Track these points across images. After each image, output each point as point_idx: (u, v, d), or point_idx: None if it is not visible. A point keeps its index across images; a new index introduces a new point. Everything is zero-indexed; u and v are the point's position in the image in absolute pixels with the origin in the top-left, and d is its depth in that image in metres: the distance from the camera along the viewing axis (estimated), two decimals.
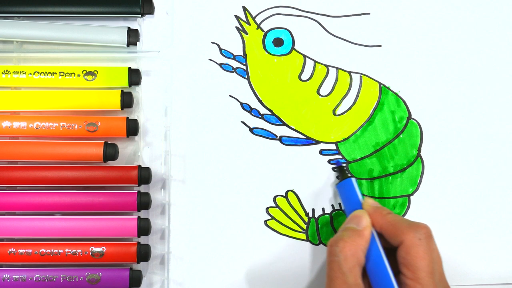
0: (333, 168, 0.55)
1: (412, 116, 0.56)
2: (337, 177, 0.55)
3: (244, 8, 0.58)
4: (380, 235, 0.49)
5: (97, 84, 0.55)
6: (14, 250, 0.53)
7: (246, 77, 0.57)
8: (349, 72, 0.57)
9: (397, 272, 0.48)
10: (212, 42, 0.57)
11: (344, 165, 0.55)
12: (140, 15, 0.56)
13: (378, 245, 0.49)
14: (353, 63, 0.57)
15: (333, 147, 0.56)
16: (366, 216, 0.50)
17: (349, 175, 0.55)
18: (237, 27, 0.57)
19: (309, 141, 0.56)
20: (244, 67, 0.57)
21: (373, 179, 0.56)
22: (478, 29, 0.58)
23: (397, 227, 0.48)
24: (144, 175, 0.54)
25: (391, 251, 0.49)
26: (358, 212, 0.50)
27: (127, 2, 0.56)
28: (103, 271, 0.53)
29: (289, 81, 0.57)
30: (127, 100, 0.55)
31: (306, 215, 0.55)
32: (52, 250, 0.53)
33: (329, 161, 0.56)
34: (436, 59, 0.57)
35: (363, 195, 0.53)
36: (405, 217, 0.55)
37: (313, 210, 0.56)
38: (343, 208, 0.53)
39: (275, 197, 0.56)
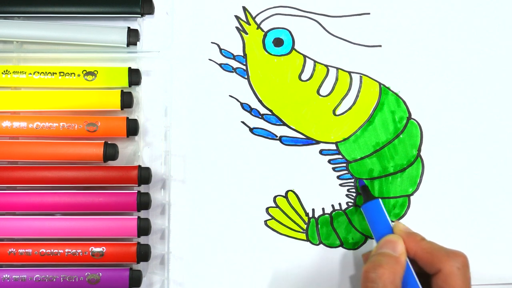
0: (356, 190, 0.55)
1: (412, 116, 0.56)
2: (357, 193, 0.55)
3: (244, 8, 0.58)
4: (412, 262, 0.49)
5: (97, 84, 0.55)
6: (14, 250, 0.53)
7: (246, 77, 0.57)
8: (349, 72, 0.57)
9: None
10: (212, 42, 0.57)
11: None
12: (140, 15, 0.56)
13: (413, 272, 0.49)
14: (353, 63, 0.57)
15: (333, 147, 0.56)
16: (401, 242, 0.49)
17: (374, 196, 0.54)
18: (237, 27, 0.57)
19: (309, 141, 0.56)
20: (244, 67, 0.57)
21: (373, 179, 0.56)
22: (478, 29, 0.58)
23: (434, 254, 0.48)
24: (144, 175, 0.54)
25: (421, 276, 0.49)
26: (392, 237, 0.50)
27: (127, 2, 0.56)
28: (103, 271, 0.53)
29: (289, 81, 0.57)
30: (127, 100, 0.55)
31: (306, 215, 0.55)
32: (52, 250, 0.53)
33: (329, 161, 0.56)
34: (436, 59, 0.57)
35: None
36: (405, 217, 0.55)
37: (313, 210, 0.56)
38: (370, 229, 0.52)
39: (275, 197, 0.56)
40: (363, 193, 0.54)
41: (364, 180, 0.55)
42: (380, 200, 0.53)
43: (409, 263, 0.49)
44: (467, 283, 0.47)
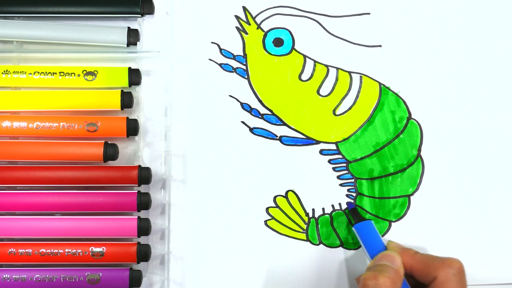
0: (345, 210, 0.55)
1: (412, 116, 0.56)
2: (348, 212, 0.55)
3: (244, 8, 0.58)
4: (407, 277, 0.50)
5: (97, 84, 0.55)
6: (14, 250, 0.53)
7: (246, 77, 0.57)
8: (349, 72, 0.57)
9: None
10: (212, 42, 0.57)
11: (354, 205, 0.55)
12: (140, 15, 0.56)
13: (408, 285, 0.49)
14: (353, 63, 0.57)
15: (333, 147, 0.56)
16: (398, 256, 0.49)
17: (365, 217, 0.54)
18: (237, 27, 0.57)
19: (309, 141, 0.56)
20: (244, 67, 0.57)
21: (373, 179, 0.56)
22: (478, 29, 0.58)
23: (429, 264, 0.48)
24: (144, 175, 0.54)
25: None
26: (390, 252, 0.50)
27: (127, 2, 0.56)
28: (103, 271, 0.53)
29: (289, 81, 0.57)
30: (127, 100, 0.55)
31: (306, 215, 0.55)
32: (52, 250, 0.53)
33: (329, 161, 0.56)
34: (436, 59, 0.57)
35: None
36: (405, 217, 0.55)
37: (313, 210, 0.56)
38: (363, 248, 0.52)
39: (275, 197, 0.56)
40: (353, 216, 0.54)
41: (364, 181, 0.56)
42: (372, 221, 0.53)
43: (404, 279, 0.49)
44: None
